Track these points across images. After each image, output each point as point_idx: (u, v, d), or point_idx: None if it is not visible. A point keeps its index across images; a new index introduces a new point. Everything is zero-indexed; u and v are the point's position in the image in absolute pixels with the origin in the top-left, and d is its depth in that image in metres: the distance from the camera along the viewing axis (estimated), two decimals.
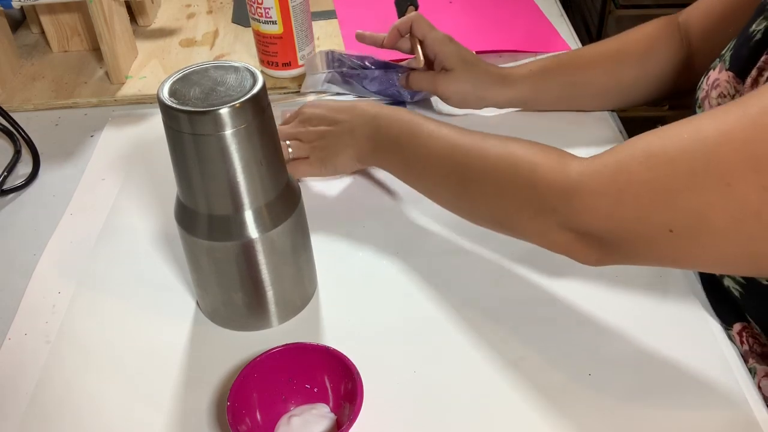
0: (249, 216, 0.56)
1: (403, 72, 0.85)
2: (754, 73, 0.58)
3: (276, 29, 0.90)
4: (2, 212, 0.77)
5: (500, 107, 0.86)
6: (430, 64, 0.83)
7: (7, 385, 0.59)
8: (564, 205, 0.53)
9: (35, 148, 0.83)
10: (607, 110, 0.86)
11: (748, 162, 0.44)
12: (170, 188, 0.58)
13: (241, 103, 0.51)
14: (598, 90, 0.83)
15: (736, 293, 0.62)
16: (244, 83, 0.53)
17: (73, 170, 0.82)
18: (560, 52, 0.85)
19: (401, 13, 0.87)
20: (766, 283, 0.58)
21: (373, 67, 0.87)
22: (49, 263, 0.70)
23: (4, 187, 0.79)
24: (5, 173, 0.80)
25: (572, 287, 0.65)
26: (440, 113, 0.89)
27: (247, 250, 0.57)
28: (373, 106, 0.71)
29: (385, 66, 0.87)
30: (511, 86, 0.83)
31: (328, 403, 0.55)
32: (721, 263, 0.50)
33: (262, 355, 0.54)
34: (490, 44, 0.99)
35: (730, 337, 0.61)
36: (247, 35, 1.03)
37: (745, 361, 0.59)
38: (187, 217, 0.57)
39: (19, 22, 1.10)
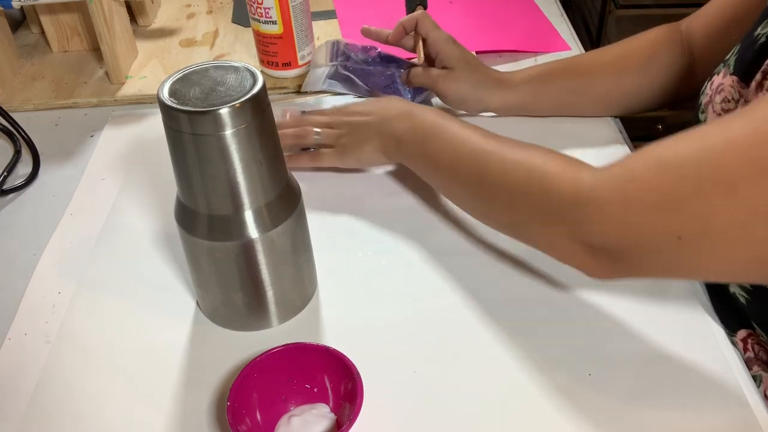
0: (249, 216, 0.56)
1: (405, 67, 0.86)
2: (758, 76, 0.58)
3: (276, 29, 0.90)
4: (2, 212, 0.77)
5: (498, 112, 0.85)
6: (431, 62, 0.83)
7: (7, 385, 0.59)
8: (574, 215, 0.53)
9: (35, 148, 0.83)
10: (608, 116, 0.86)
11: (754, 167, 0.44)
12: (170, 188, 0.58)
13: (241, 103, 0.51)
14: (598, 97, 0.83)
15: (742, 300, 0.61)
16: (244, 83, 0.53)
17: (73, 170, 0.82)
18: (561, 58, 0.85)
19: (410, 11, 0.87)
20: None
21: (378, 59, 0.87)
22: (49, 263, 0.70)
23: (4, 187, 0.79)
24: (5, 173, 0.80)
25: (573, 287, 0.65)
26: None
27: (247, 250, 0.57)
28: (406, 102, 0.73)
29: (389, 59, 0.87)
30: (510, 90, 0.83)
31: (328, 403, 0.55)
32: (731, 271, 0.50)
33: (262, 355, 0.54)
34: (490, 44, 0.99)
35: (733, 342, 0.61)
36: (247, 35, 1.03)
37: (749, 368, 0.59)
38: (187, 217, 0.57)
39: (19, 22, 1.10)
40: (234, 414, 0.51)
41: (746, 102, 0.60)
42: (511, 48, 0.99)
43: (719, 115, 0.64)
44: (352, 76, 0.89)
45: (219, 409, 0.56)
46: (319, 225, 0.67)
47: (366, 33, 0.86)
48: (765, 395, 0.58)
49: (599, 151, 0.81)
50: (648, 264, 0.51)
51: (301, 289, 0.64)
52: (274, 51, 0.92)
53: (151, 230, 0.73)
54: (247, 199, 0.55)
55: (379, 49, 0.88)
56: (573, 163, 0.56)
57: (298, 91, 0.93)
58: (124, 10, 0.96)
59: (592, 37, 1.65)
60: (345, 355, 0.54)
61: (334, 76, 0.91)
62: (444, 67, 0.82)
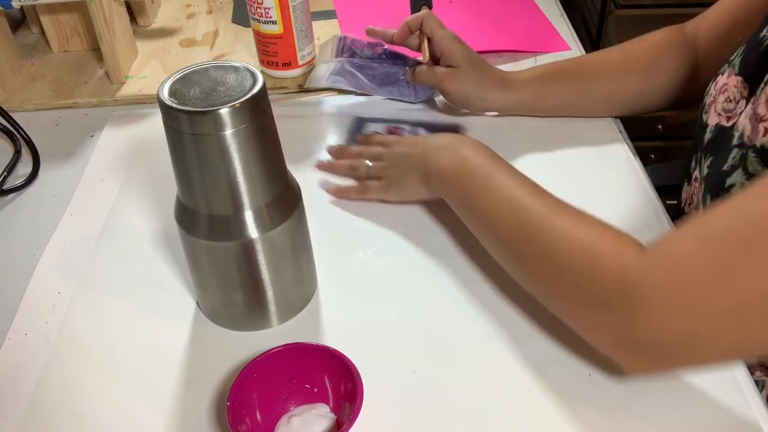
0: (249, 216, 0.56)
1: (411, 65, 0.86)
2: (767, 77, 0.58)
3: (276, 29, 0.90)
4: (2, 212, 0.77)
5: (501, 111, 0.85)
6: (436, 61, 0.84)
7: (7, 385, 0.59)
8: (621, 306, 0.50)
9: (35, 148, 0.83)
10: (610, 117, 0.86)
11: None
12: (170, 188, 0.58)
13: (241, 103, 0.51)
14: (602, 99, 0.83)
15: None
16: (244, 83, 0.53)
17: (73, 170, 0.82)
18: (566, 59, 0.85)
19: (415, 10, 0.87)
20: None
21: (384, 56, 0.88)
22: (49, 263, 0.70)
23: (4, 187, 0.79)
24: (5, 173, 0.80)
25: None
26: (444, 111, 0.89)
27: (247, 250, 0.57)
28: (456, 136, 0.70)
29: (395, 56, 0.87)
30: (514, 90, 0.83)
31: (328, 403, 0.55)
32: None
33: (262, 355, 0.54)
34: (490, 44, 0.99)
35: None
36: (247, 35, 1.03)
37: (752, 373, 0.59)
38: (187, 217, 0.57)
39: (19, 22, 1.10)
40: (234, 414, 0.51)
41: (753, 107, 0.60)
42: (511, 48, 0.99)
43: (719, 115, 0.64)
44: (357, 72, 0.89)
45: (219, 409, 0.56)
46: (319, 225, 0.67)
47: (371, 33, 0.86)
48: (767, 400, 0.57)
49: (599, 151, 0.81)
50: (702, 349, 0.48)
51: (301, 289, 0.64)
52: (274, 51, 0.92)
53: (151, 230, 0.73)
54: (247, 199, 0.55)
55: (385, 46, 0.89)
56: (622, 242, 0.52)
57: (299, 91, 0.93)
58: (124, 10, 0.96)
59: (592, 37, 1.65)
60: (345, 355, 0.54)
61: (340, 71, 0.91)
62: (449, 66, 0.82)
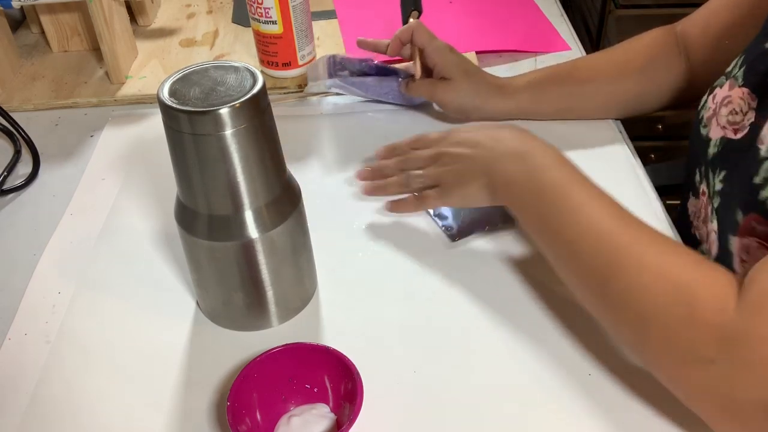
0: (249, 216, 0.56)
1: (404, 77, 0.86)
2: None
3: (276, 29, 0.90)
4: (2, 212, 0.77)
5: (498, 119, 0.83)
6: (430, 72, 0.83)
7: (7, 385, 0.59)
8: (722, 358, 0.45)
9: (35, 148, 0.83)
10: (619, 118, 0.85)
11: None
12: (170, 188, 0.58)
13: (241, 103, 0.51)
14: (599, 102, 0.83)
15: None
16: (244, 83, 0.53)
17: (73, 170, 0.82)
18: (560, 63, 0.85)
19: (405, 16, 0.87)
20: None
21: (375, 70, 0.87)
22: (49, 263, 0.70)
23: (4, 187, 0.79)
24: (5, 173, 0.80)
25: None
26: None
27: (247, 250, 0.57)
28: (520, 135, 0.63)
29: (386, 71, 0.87)
30: (510, 97, 0.82)
31: (328, 403, 0.55)
32: None
33: (262, 355, 0.54)
34: (490, 44, 0.99)
35: None
36: (247, 35, 1.03)
37: None
38: (187, 217, 0.57)
39: (19, 22, 1.10)
40: (234, 414, 0.51)
41: (761, 116, 0.60)
42: (511, 48, 0.99)
43: (724, 128, 0.64)
44: (351, 87, 0.89)
45: (219, 409, 0.56)
46: (319, 225, 0.67)
47: (363, 44, 0.86)
48: None
49: (599, 152, 0.81)
50: None
51: (301, 289, 0.64)
52: (274, 51, 0.92)
53: (151, 230, 0.73)
54: (247, 199, 0.55)
55: (376, 61, 0.88)
56: (718, 282, 0.48)
57: (299, 91, 0.94)
58: (124, 10, 0.96)
59: (592, 37, 1.65)
60: (345, 355, 0.54)
61: (334, 85, 0.90)
62: (443, 78, 0.82)
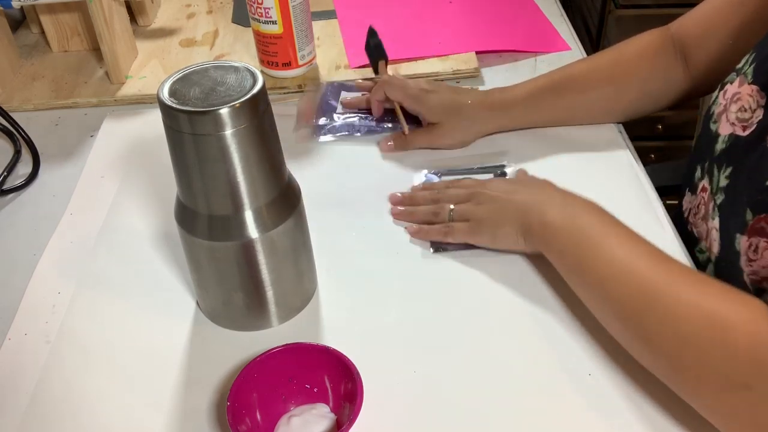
0: (249, 216, 0.56)
1: (386, 134, 0.83)
2: None
3: (276, 29, 0.90)
4: (2, 212, 0.77)
5: (496, 132, 0.83)
6: (417, 119, 0.82)
7: (7, 385, 0.59)
8: (761, 381, 0.45)
9: (35, 148, 0.83)
10: (618, 121, 0.84)
11: None
12: (170, 188, 0.58)
13: (241, 103, 0.51)
14: (596, 112, 0.82)
15: None
16: (244, 83, 0.53)
17: (73, 170, 0.82)
18: (554, 71, 0.82)
19: (374, 66, 0.87)
20: None
21: (358, 133, 0.85)
22: (49, 263, 0.70)
23: (4, 187, 0.79)
24: (5, 173, 0.80)
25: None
26: None
27: (247, 250, 0.57)
28: (560, 190, 0.65)
29: (372, 132, 0.85)
30: (504, 113, 0.80)
31: (328, 403, 0.55)
32: None
33: (262, 355, 0.54)
34: (490, 44, 0.99)
35: None
36: (247, 35, 1.03)
37: None
38: (187, 217, 0.57)
39: (19, 22, 1.10)
40: (234, 414, 0.51)
41: None
42: (511, 48, 0.98)
43: (733, 124, 0.64)
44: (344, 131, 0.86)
45: (219, 409, 0.56)
46: (319, 225, 0.67)
47: (348, 106, 0.86)
48: None
49: (600, 154, 0.80)
50: None
51: (301, 289, 0.64)
52: (274, 51, 0.92)
53: (151, 230, 0.73)
54: (247, 199, 0.55)
55: (359, 131, 0.85)
56: (750, 308, 0.49)
57: (299, 91, 0.94)
58: (124, 10, 0.96)
59: (592, 37, 1.65)
60: (345, 355, 0.54)
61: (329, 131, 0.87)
62: (430, 124, 0.80)
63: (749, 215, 0.59)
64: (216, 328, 0.63)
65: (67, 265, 0.70)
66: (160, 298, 0.66)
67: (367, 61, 0.89)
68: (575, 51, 0.99)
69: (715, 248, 0.64)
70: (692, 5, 0.79)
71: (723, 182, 0.63)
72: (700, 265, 0.68)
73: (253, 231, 0.56)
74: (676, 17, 0.81)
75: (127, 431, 0.55)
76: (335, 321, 0.63)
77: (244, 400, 0.53)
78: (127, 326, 0.64)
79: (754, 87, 0.62)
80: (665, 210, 0.72)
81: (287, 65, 0.93)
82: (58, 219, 0.75)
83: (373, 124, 0.85)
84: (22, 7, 0.97)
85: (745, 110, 0.62)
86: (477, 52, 0.97)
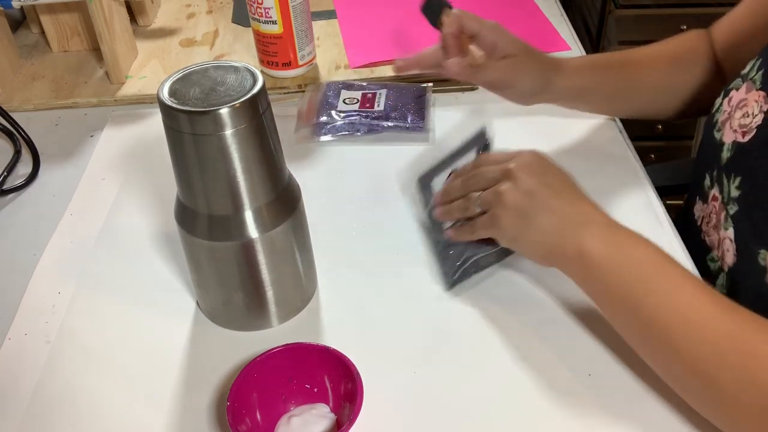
0: (249, 216, 0.56)
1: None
2: None
3: (276, 29, 0.90)
4: (2, 212, 0.77)
5: (558, 99, 0.77)
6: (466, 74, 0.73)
7: (7, 385, 0.59)
8: None
9: (35, 148, 0.83)
10: (661, 118, 0.82)
11: None
12: (170, 188, 0.58)
13: (241, 103, 0.51)
14: (652, 92, 0.78)
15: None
16: (244, 83, 0.53)
17: (73, 170, 0.82)
18: (611, 51, 0.79)
19: (434, 18, 0.75)
20: None
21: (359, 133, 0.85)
22: (49, 263, 0.70)
23: (4, 187, 0.79)
24: (5, 173, 0.80)
25: (573, 287, 0.64)
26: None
27: (247, 250, 0.57)
28: (601, 213, 0.58)
29: (372, 131, 0.85)
30: (571, 75, 0.75)
31: (328, 403, 0.55)
32: None
33: (262, 355, 0.54)
34: None
35: None
36: (247, 35, 1.03)
37: None
38: (187, 217, 0.57)
39: (19, 22, 1.10)
40: (234, 414, 0.51)
41: None
42: None
43: (736, 131, 0.63)
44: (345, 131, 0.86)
45: (219, 409, 0.56)
46: (319, 225, 0.67)
47: (403, 68, 0.77)
48: None
49: (600, 152, 0.80)
50: None
51: (301, 289, 0.64)
52: (274, 51, 0.92)
53: (151, 230, 0.73)
54: (247, 199, 0.55)
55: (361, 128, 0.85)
56: None
57: (299, 91, 0.94)
58: (124, 10, 0.96)
59: (592, 37, 1.65)
60: (345, 355, 0.54)
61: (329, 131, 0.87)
62: (505, 56, 0.71)
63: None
64: (216, 328, 0.63)
65: (67, 265, 0.70)
66: (160, 298, 0.66)
67: (367, 62, 0.89)
68: (575, 51, 0.99)
69: (729, 258, 0.64)
70: (693, 5, 0.79)
71: (734, 193, 0.63)
72: (711, 273, 0.68)
73: (253, 231, 0.56)
74: (675, 17, 0.81)
75: (127, 431, 0.55)
76: (335, 321, 0.63)
77: (244, 400, 0.53)
78: (127, 326, 0.64)
79: (762, 93, 0.62)
80: (665, 210, 0.72)
81: (287, 65, 0.94)
82: (58, 219, 0.75)
83: (374, 123, 0.85)
84: (22, 7, 0.97)
85: (748, 116, 0.62)
86: None
